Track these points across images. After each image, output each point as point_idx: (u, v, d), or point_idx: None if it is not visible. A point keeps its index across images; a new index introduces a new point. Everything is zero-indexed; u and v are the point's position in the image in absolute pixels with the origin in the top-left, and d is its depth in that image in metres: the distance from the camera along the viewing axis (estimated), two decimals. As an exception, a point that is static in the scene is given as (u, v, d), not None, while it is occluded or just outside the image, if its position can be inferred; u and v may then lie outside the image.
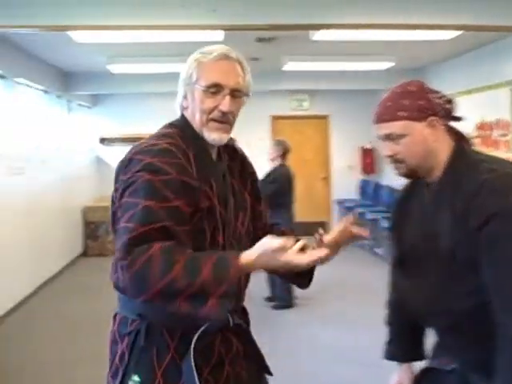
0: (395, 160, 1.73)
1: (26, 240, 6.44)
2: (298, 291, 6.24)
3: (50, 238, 7.38)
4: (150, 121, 10.15)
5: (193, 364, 1.68)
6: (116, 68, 7.49)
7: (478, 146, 6.95)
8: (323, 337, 5.27)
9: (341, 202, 10.47)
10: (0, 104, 6.20)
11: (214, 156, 1.86)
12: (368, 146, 10.41)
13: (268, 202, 7.33)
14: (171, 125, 1.85)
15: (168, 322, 1.71)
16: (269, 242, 1.51)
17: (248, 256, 1.53)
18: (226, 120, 1.80)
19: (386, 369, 2.05)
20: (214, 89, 1.77)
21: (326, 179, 10.79)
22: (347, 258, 8.75)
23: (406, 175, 1.77)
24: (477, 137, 7.02)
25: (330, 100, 10.31)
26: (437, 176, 1.74)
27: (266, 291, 6.32)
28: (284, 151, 6.23)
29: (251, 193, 1.99)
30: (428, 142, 1.69)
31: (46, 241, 7.20)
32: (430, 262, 1.72)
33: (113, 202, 1.76)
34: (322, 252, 1.57)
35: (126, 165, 1.70)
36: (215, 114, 1.78)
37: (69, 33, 5.00)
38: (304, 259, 1.53)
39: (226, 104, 1.77)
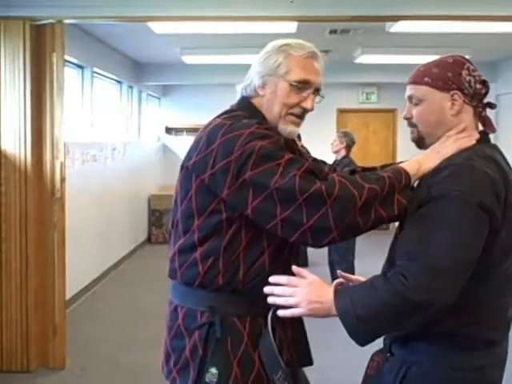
0: (410, 123, 1.77)
1: (97, 225, 6.64)
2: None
3: (118, 224, 7.59)
4: (215, 112, 10.41)
5: (273, 341, 1.71)
6: (189, 59, 7.59)
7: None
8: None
9: (405, 198, 10.33)
10: (77, 93, 6.42)
11: None
12: (435, 141, 10.19)
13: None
14: (237, 109, 1.84)
15: (239, 310, 1.75)
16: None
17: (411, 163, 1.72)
18: (303, 116, 1.84)
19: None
20: (302, 85, 1.78)
21: (391, 174, 10.65)
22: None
23: (415, 141, 1.78)
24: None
25: (398, 93, 10.01)
26: None
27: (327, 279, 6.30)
28: (349, 143, 6.15)
29: None
30: (444, 114, 1.70)
31: (114, 226, 7.40)
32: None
33: (208, 188, 1.71)
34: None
35: (220, 150, 1.65)
36: (297, 110, 1.81)
37: (149, 24, 5.11)
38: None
39: (310, 103, 1.81)
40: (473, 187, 1.53)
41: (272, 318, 1.75)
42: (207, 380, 1.73)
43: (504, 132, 7.48)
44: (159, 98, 10.47)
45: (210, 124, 1.79)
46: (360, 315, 1.51)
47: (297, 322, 1.93)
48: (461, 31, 5.62)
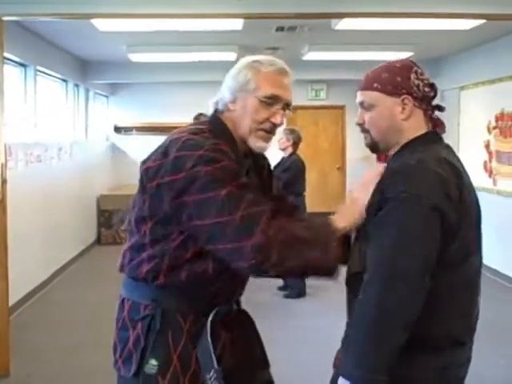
0: (363, 129, 1.78)
1: (43, 227, 6.48)
2: (310, 281, 6.24)
3: (65, 225, 7.42)
4: (165, 110, 10.33)
5: (209, 340, 1.75)
6: (136, 57, 7.49)
7: (497, 137, 6.94)
8: (335, 326, 5.22)
9: (355, 193, 10.46)
10: (20, 92, 6.25)
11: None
12: (383, 137, 10.36)
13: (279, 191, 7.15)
14: (203, 122, 1.89)
15: (181, 306, 1.79)
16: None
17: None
18: (273, 131, 1.88)
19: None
20: (271, 100, 1.82)
21: (341, 169, 10.79)
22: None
23: (369, 146, 1.80)
24: (495, 127, 6.99)
25: (347, 90, 10.18)
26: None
27: (279, 280, 6.30)
28: (296, 140, 6.17)
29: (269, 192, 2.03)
30: (395, 119, 1.71)
31: (61, 228, 7.23)
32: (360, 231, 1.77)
33: (149, 196, 1.77)
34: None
35: (171, 165, 1.70)
36: (266, 125, 1.84)
37: (93, 21, 5.01)
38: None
39: (279, 118, 1.85)
40: (423, 188, 1.55)
41: (215, 319, 1.79)
42: (147, 371, 1.78)
43: (448, 126, 7.62)
44: (107, 97, 10.29)
45: (175, 133, 1.83)
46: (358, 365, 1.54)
47: (247, 324, 1.97)
48: (404, 28, 5.71)
